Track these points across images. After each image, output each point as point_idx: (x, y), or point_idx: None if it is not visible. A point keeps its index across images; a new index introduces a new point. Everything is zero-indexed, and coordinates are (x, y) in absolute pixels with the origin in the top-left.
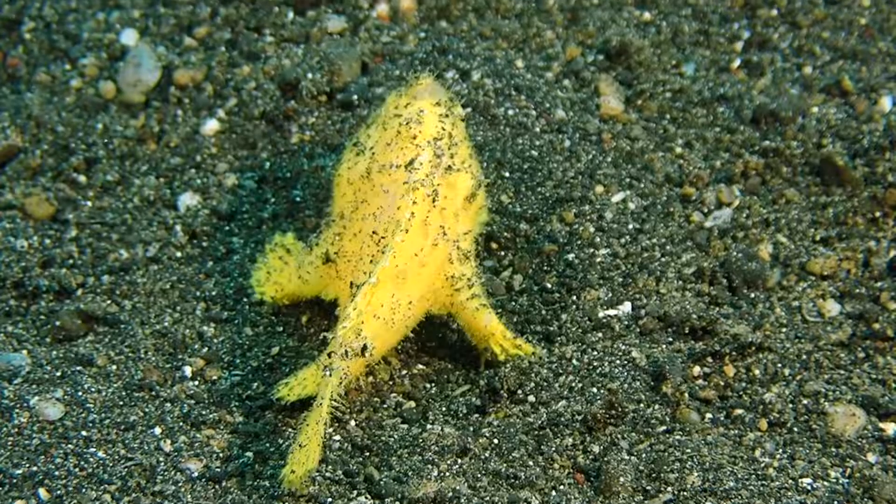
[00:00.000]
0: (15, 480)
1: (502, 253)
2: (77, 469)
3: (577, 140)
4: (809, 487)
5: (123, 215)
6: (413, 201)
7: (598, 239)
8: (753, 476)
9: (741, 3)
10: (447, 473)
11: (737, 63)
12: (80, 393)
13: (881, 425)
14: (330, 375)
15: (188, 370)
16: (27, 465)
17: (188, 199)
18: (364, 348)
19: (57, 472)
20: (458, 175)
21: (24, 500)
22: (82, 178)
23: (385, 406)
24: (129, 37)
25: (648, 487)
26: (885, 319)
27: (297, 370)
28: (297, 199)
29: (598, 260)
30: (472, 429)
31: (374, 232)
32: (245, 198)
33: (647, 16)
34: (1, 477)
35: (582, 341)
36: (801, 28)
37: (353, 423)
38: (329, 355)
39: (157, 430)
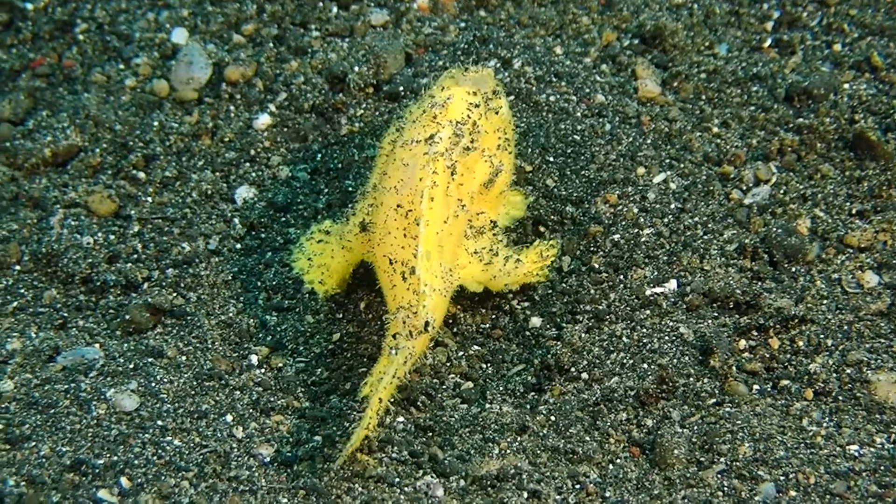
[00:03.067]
0: (97, 470)
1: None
2: (155, 457)
3: (617, 123)
4: (857, 454)
5: (183, 210)
6: (434, 171)
7: (641, 219)
8: (802, 445)
9: None
10: (508, 451)
11: (768, 42)
12: (153, 384)
13: None
14: (396, 354)
15: (254, 359)
16: (108, 455)
17: (245, 192)
18: (427, 324)
19: (136, 461)
20: (476, 159)
21: (108, 489)
22: (142, 175)
23: (444, 387)
24: (180, 35)
25: (702, 459)
26: None
27: (372, 367)
28: (350, 188)
29: (643, 239)
30: (529, 407)
31: (398, 206)
32: (299, 189)
33: None
34: (84, 467)
35: (631, 319)
36: (829, 6)
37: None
38: (394, 336)
39: (229, 418)
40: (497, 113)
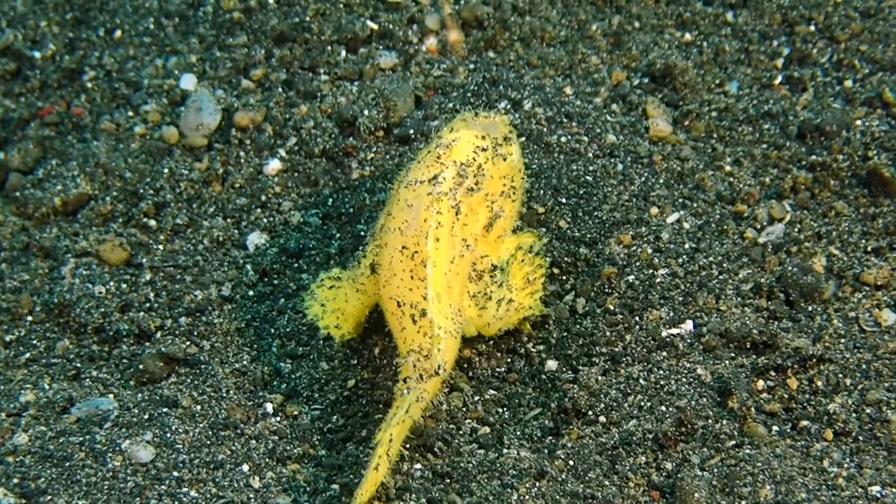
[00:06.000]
0: None
1: (564, 277)
2: None
3: (629, 163)
4: (879, 495)
5: (195, 257)
6: (438, 211)
7: (656, 259)
8: (824, 486)
9: (779, 21)
10: (527, 496)
11: (779, 79)
12: (168, 434)
13: None
14: (408, 393)
15: (269, 407)
16: None
17: (256, 239)
18: (438, 367)
19: None
20: (480, 202)
21: None
22: (152, 223)
23: (461, 432)
24: (188, 82)
25: (723, 502)
26: None
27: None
28: (362, 233)
29: (658, 280)
30: (546, 451)
31: (403, 247)
32: (311, 234)
33: (688, 37)
34: None
35: (647, 361)
36: (840, 42)
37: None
38: (404, 380)
39: (245, 468)
40: (505, 160)
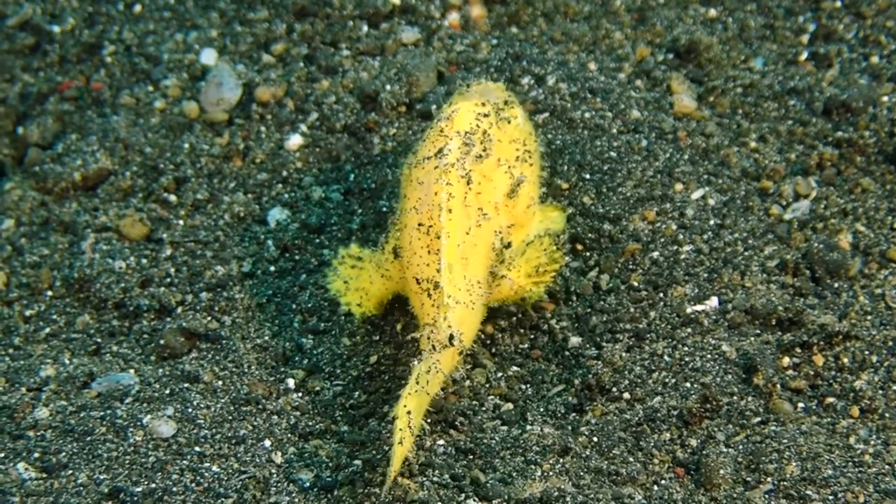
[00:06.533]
0: (136, 498)
1: (588, 253)
2: (194, 484)
3: (653, 139)
4: None
5: (216, 232)
6: (447, 182)
7: (681, 236)
8: (850, 463)
9: None
10: (551, 473)
11: (804, 56)
12: (189, 409)
13: None
14: (419, 364)
15: (291, 382)
16: (146, 483)
17: (278, 214)
18: (451, 337)
19: (175, 489)
20: (493, 168)
21: None
22: (173, 198)
23: (484, 409)
24: (209, 56)
25: (748, 479)
26: None
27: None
28: (384, 209)
29: (683, 257)
30: (570, 428)
31: (419, 224)
32: (332, 210)
33: (712, 12)
34: (122, 495)
35: (672, 337)
36: (866, 18)
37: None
38: (419, 353)
39: (267, 443)
40: (510, 122)
